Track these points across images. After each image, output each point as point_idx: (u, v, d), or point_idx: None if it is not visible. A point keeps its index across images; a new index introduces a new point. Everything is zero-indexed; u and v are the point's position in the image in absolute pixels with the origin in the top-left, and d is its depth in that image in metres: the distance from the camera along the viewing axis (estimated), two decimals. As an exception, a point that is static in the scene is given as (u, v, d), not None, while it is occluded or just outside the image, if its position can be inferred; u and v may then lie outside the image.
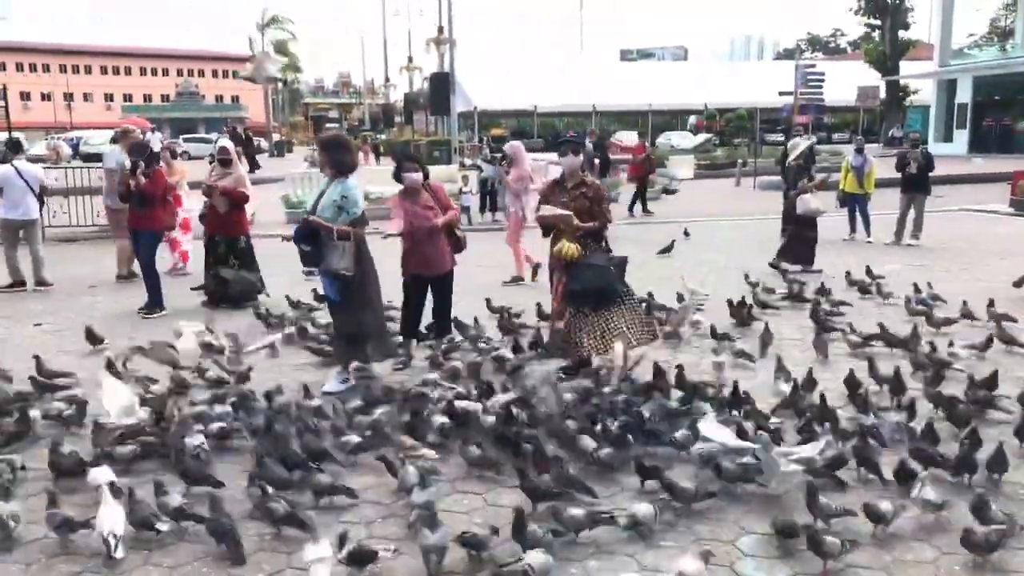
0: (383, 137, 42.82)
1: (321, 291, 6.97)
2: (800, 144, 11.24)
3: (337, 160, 5.97)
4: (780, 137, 39.19)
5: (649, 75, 57.68)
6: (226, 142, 10.04)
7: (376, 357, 6.18)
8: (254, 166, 27.41)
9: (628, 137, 43.94)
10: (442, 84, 24.80)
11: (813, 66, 34.49)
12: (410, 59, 45.82)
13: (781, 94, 29.07)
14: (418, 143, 28.43)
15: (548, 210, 6.13)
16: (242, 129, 36.51)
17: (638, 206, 17.84)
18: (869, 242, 13.05)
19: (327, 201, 5.88)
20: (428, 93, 29.92)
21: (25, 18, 78.91)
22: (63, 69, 79.78)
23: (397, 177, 6.62)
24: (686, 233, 13.11)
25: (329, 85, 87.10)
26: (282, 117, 70.70)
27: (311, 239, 5.84)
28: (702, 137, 41.64)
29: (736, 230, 14.96)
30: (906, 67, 44.81)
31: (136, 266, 9.54)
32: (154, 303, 8.71)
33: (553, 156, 14.40)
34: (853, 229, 13.50)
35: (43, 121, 61.76)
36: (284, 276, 9.49)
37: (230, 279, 8.86)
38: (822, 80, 28.12)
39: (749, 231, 14.48)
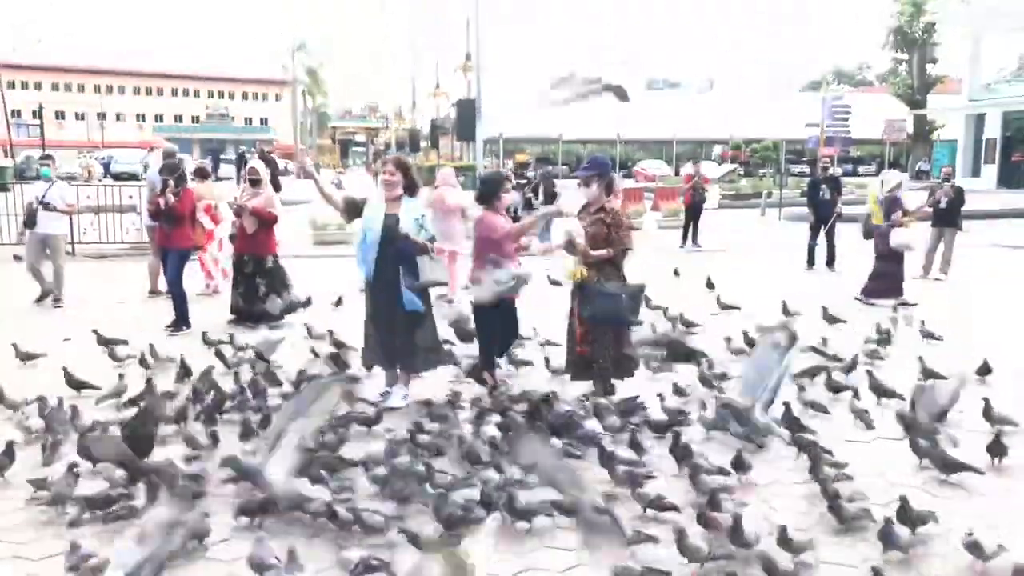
0: (412, 162, 43.13)
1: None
2: (893, 178, 11.32)
3: (411, 180, 6.16)
4: (805, 168, 39.18)
5: (675, 105, 57.83)
6: (256, 163, 10.14)
7: (427, 368, 6.39)
8: (276, 188, 27.61)
9: (653, 166, 44.05)
10: (468, 110, 25.01)
11: (840, 98, 34.43)
12: (437, 85, 46.32)
13: (807, 126, 29.04)
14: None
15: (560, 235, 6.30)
16: (267, 151, 36.89)
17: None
18: None
19: (408, 220, 5.99)
20: (454, 119, 30.19)
21: (61, 40, 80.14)
22: (97, 89, 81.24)
23: (485, 199, 6.59)
24: (676, 273, 12.38)
25: (356, 110, 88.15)
26: (309, 140, 71.44)
27: (408, 256, 5.99)
28: (727, 167, 41.64)
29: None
30: (933, 101, 44.66)
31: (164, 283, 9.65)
32: (180, 320, 8.80)
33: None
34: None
35: (76, 140, 62.75)
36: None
37: (267, 308, 8.95)
38: (848, 113, 28.09)
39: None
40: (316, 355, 7.34)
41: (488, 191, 6.60)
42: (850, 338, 8.06)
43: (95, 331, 7.69)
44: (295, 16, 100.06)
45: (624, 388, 6.07)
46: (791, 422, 5.28)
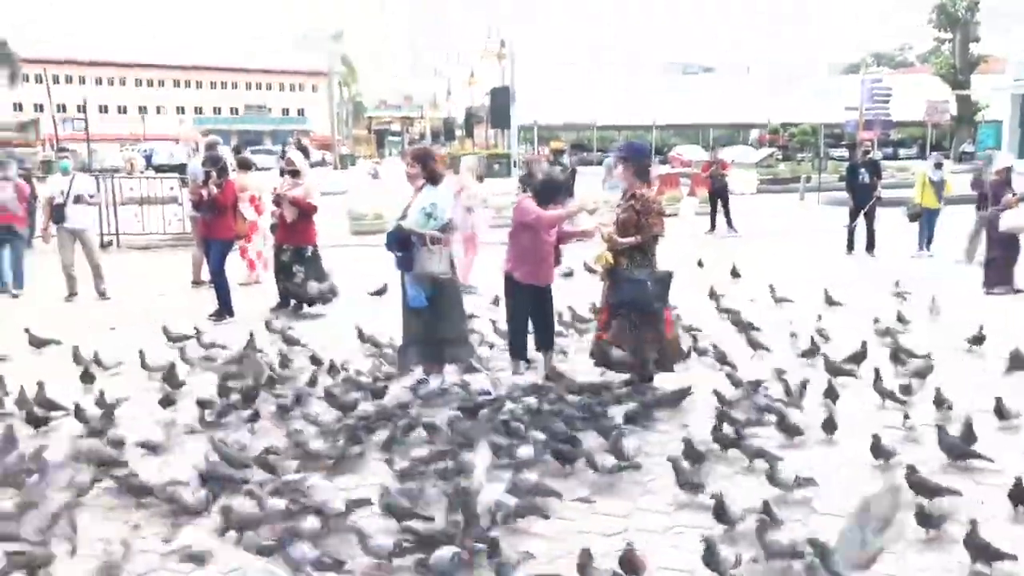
0: (446, 150, 43.30)
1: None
2: (1003, 159, 10.95)
3: (428, 170, 6.21)
4: (844, 152, 38.57)
5: (711, 89, 57.23)
6: (294, 153, 10.29)
7: (458, 361, 6.34)
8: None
9: (689, 152, 43.68)
10: (502, 98, 25.08)
11: (879, 80, 33.82)
12: (472, 73, 46.34)
13: (846, 109, 28.59)
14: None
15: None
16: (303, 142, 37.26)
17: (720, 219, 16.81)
18: (930, 256, 12.93)
19: (416, 208, 6.06)
20: (488, 106, 30.24)
21: (103, 34, 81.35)
22: (138, 83, 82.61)
23: (542, 200, 6.51)
24: (700, 264, 11.77)
25: (391, 99, 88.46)
26: (345, 131, 71.93)
27: (403, 245, 6.05)
28: (764, 151, 41.15)
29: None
30: (977, 81, 43.64)
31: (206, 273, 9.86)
32: (223, 310, 8.99)
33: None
34: (925, 246, 13.27)
35: (119, 133, 63.82)
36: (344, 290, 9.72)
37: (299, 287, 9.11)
38: (889, 95, 27.59)
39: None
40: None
41: (545, 191, 6.59)
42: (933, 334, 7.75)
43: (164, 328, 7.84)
44: (333, 6, 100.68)
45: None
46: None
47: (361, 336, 7.59)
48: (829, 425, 5.24)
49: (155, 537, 4.05)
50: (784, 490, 4.34)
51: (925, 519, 3.96)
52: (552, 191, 6.64)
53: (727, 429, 5.06)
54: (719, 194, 16.78)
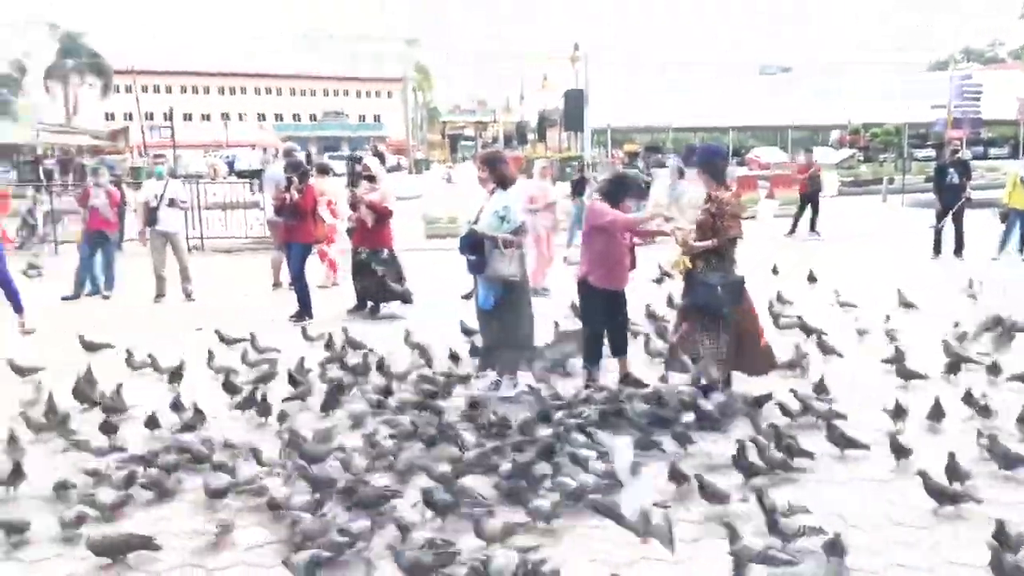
0: (517, 154, 43.47)
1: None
2: None
3: (499, 174, 6.28)
4: (930, 153, 37.27)
5: (789, 90, 55.98)
6: (370, 159, 10.49)
7: (526, 366, 6.28)
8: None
9: (767, 154, 42.88)
10: (576, 100, 24.99)
11: (969, 77, 32.61)
12: (545, 77, 46.40)
13: (934, 108, 27.65)
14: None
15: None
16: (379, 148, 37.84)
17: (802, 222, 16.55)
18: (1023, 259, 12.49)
19: (489, 212, 6.12)
20: (562, 109, 30.18)
21: (189, 45, 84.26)
22: (221, 91, 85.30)
23: (611, 197, 6.35)
24: (774, 271, 11.33)
25: (464, 104, 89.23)
26: (420, 135, 72.84)
27: (475, 248, 6.12)
28: (845, 152, 40.10)
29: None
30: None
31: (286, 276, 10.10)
32: (303, 311, 9.19)
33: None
34: (1016, 248, 12.77)
35: (202, 140, 65.97)
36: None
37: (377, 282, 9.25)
38: (979, 92, 26.57)
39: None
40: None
41: (615, 189, 6.42)
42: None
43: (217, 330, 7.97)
44: (408, 12, 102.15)
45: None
46: None
47: (407, 340, 7.40)
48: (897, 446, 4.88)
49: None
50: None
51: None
52: (621, 189, 6.46)
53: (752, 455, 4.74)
54: (812, 197, 16.45)
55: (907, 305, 8.84)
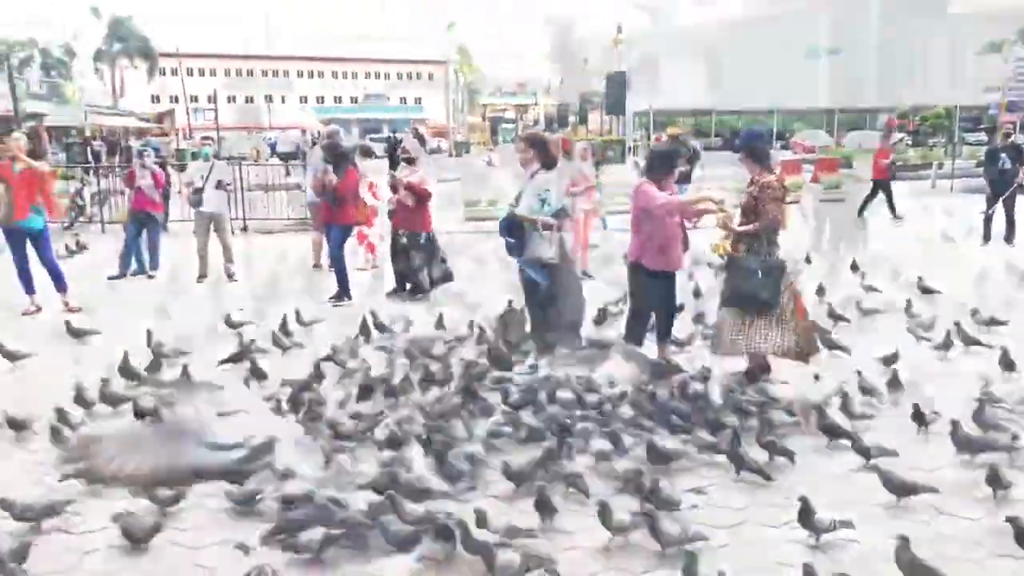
0: (559, 136, 43.22)
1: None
2: None
3: (542, 156, 6.26)
4: (982, 137, 36.27)
5: (836, 72, 54.89)
6: (409, 142, 10.50)
7: (568, 346, 6.20)
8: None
9: (812, 137, 42.13)
10: (618, 83, 24.79)
11: (1024, 59, 31.66)
12: (586, 60, 46.03)
13: (987, 90, 26.93)
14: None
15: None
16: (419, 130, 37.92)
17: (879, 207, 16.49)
18: None
19: (530, 194, 6.11)
20: (603, 92, 30.00)
21: (233, 28, 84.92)
22: (264, 74, 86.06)
23: (655, 172, 6.20)
24: (808, 260, 11.12)
25: (505, 86, 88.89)
26: (460, 118, 72.83)
27: (514, 231, 6.13)
28: (894, 136, 39.22)
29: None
30: None
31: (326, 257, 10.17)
32: (342, 292, 9.25)
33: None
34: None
35: (245, 122, 66.64)
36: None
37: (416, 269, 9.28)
38: (1035, 75, 25.83)
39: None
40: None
41: (659, 165, 6.24)
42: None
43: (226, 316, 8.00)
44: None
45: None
46: None
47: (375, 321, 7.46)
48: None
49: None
50: None
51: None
52: (664, 162, 6.29)
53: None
54: (883, 184, 16.30)
55: (927, 291, 8.69)
